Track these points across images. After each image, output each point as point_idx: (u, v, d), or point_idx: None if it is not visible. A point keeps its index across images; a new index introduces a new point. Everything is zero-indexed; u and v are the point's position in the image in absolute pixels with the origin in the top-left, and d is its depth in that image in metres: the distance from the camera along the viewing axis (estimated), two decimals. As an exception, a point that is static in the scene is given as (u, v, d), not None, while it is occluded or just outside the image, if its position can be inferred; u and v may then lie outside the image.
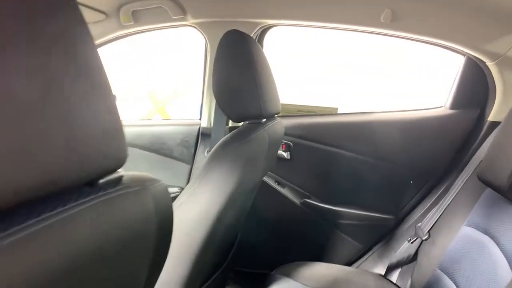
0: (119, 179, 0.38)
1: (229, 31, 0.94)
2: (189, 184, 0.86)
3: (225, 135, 1.36)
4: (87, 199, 0.33)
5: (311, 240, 1.56)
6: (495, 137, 1.00)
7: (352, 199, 1.50)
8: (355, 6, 1.19)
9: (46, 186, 0.28)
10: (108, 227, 0.35)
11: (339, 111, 1.52)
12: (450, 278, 1.04)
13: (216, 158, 0.87)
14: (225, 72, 0.93)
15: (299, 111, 1.53)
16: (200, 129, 1.52)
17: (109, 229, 0.35)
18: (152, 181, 0.44)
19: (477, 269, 0.95)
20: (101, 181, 0.36)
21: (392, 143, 1.42)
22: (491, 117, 1.25)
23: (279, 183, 1.54)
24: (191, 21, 1.33)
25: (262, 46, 1.44)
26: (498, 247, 0.92)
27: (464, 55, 1.26)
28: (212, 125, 1.47)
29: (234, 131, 0.96)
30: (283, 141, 1.47)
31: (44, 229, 0.28)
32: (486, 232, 0.98)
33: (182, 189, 1.51)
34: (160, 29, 1.40)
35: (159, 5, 1.25)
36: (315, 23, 1.28)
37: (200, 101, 1.51)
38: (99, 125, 0.33)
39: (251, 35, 1.33)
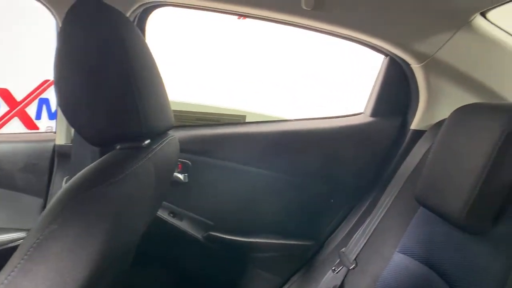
0: None
1: (79, 1, 0.57)
2: (13, 258, 0.47)
3: (93, 156, 0.99)
4: None
5: (218, 281, 1.30)
6: (434, 151, 0.88)
7: (267, 226, 1.29)
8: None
9: None
10: None
11: (247, 119, 1.26)
12: None
13: (60, 214, 0.48)
14: (76, 67, 0.55)
15: (198, 119, 1.22)
16: (56, 148, 1.08)
17: None
18: None
19: None
20: None
21: (309, 156, 1.24)
22: (414, 125, 1.15)
23: (174, 215, 1.23)
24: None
25: (143, 32, 1.07)
26: (440, 277, 0.81)
27: (387, 55, 1.12)
28: (71, 142, 1.06)
29: (97, 163, 0.58)
30: (178, 160, 1.14)
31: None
32: (424, 260, 0.87)
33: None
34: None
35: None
36: (216, 5, 0.97)
37: (55, 107, 1.07)
38: None
39: (127, 15, 0.95)
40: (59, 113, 1.07)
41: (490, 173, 0.70)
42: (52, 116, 2.13)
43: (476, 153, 0.73)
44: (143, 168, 0.62)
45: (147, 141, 0.68)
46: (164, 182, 0.81)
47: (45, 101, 2.13)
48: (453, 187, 0.76)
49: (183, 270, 1.28)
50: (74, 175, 0.69)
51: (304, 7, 0.91)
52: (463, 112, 0.82)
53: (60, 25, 0.92)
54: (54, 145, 1.09)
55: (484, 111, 0.77)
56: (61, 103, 0.59)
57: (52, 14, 0.95)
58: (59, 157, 1.10)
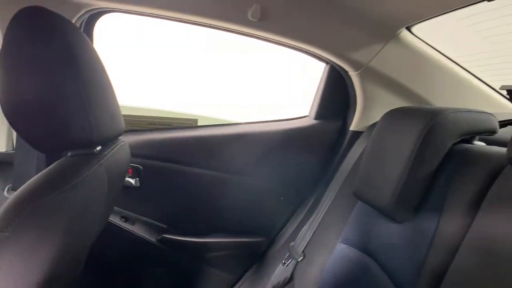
0: None
1: (23, 9, 0.57)
2: None
3: (39, 163, 0.95)
4: None
5: (173, 283, 1.30)
6: (368, 151, 0.97)
7: (219, 226, 1.32)
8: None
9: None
10: None
11: (200, 123, 1.28)
12: None
13: (12, 222, 0.49)
14: (22, 74, 0.55)
15: (150, 124, 1.22)
16: None
17: None
18: None
19: None
20: None
21: (259, 158, 1.29)
22: (353, 127, 1.25)
23: (126, 220, 1.22)
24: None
25: (91, 38, 1.05)
26: (377, 263, 0.89)
27: (328, 63, 1.21)
28: (13, 148, 1.01)
29: (48, 169, 0.59)
30: (130, 164, 1.13)
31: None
32: (362, 249, 0.95)
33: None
34: None
35: None
36: (163, 12, 0.99)
37: None
38: None
39: (72, 21, 0.94)
40: (0, 119, 1.02)
41: (412, 169, 0.79)
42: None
43: (400, 152, 0.82)
44: (96, 174, 0.63)
45: (98, 148, 0.69)
46: (116, 187, 0.81)
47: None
48: (383, 182, 0.85)
49: (138, 275, 1.27)
50: (18, 183, 0.67)
51: (250, 18, 0.96)
52: (391, 115, 0.92)
53: (4, 32, 0.90)
54: None
55: (408, 115, 0.87)
56: (6, 110, 0.57)
57: None
58: None
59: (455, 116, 0.83)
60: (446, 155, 0.81)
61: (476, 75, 1.20)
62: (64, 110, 0.59)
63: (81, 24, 0.99)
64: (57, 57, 0.57)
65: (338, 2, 0.98)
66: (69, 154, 0.64)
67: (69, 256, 0.57)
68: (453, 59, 1.17)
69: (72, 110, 0.59)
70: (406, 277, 0.79)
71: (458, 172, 0.76)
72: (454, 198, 0.73)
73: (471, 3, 0.85)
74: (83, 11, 0.95)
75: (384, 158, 0.88)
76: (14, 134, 1.01)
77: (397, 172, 0.81)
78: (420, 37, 1.13)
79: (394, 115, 0.91)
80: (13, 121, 0.58)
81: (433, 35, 1.14)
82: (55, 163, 0.61)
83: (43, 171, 0.58)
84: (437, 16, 0.97)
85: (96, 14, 1.02)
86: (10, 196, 0.95)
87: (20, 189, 0.53)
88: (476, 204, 0.68)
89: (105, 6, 0.97)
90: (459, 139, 0.82)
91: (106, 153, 0.71)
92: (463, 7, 0.89)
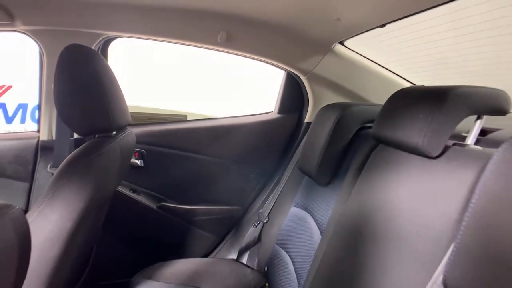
0: None
1: (69, 46, 0.91)
2: (37, 202, 0.83)
3: (70, 148, 1.32)
4: None
5: (170, 241, 1.64)
6: (307, 135, 1.29)
7: (205, 197, 1.65)
8: (193, 25, 1.31)
9: None
10: None
11: (188, 118, 1.63)
12: (284, 250, 1.27)
13: (65, 174, 0.85)
14: (68, 88, 0.90)
15: (149, 119, 1.57)
16: (40, 143, 1.38)
17: None
18: (9, 207, 0.45)
19: (300, 239, 1.20)
20: None
21: (235, 145, 1.62)
22: (307, 119, 1.58)
23: (134, 191, 1.56)
24: (21, 27, 1.21)
25: (106, 56, 1.42)
26: (313, 218, 1.18)
27: (285, 70, 1.56)
28: (54, 138, 1.37)
29: (83, 145, 0.94)
30: (135, 149, 1.49)
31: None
32: (305, 209, 1.25)
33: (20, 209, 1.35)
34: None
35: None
36: (156, 37, 1.35)
37: (38, 111, 1.39)
38: None
39: (93, 46, 1.30)
40: (43, 116, 1.38)
41: (327, 146, 1.12)
42: (9, 120, 2.15)
43: (322, 135, 1.13)
44: (113, 149, 0.99)
45: (114, 132, 1.05)
46: (125, 160, 1.17)
47: (1, 106, 2.15)
48: (312, 156, 1.17)
49: (143, 233, 1.59)
50: (57, 162, 1.01)
51: (219, 41, 1.32)
52: (324, 109, 1.23)
53: (45, 53, 1.27)
54: (38, 141, 1.38)
55: (330, 109, 1.18)
56: (58, 106, 0.92)
57: (40, 47, 1.28)
58: (42, 150, 1.38)
59: (359, 109, 1.16)
60: (352, 137, 1.14)
61: (400, 74, 1.53)
62: (92, 109, 0.93)
63: (99, 47, 1.36)
64: (89, 79, 0.92)
65: (283, 26, 1.32)
66: (96, 136, 1.01)
67: (96, 201, 0.91)
68: (380, 63, 1.51)
69: (97, 109, 0.94)
70: (325, 224, 1.06)
71: (357, 150, 1.04)
72: (351, 169, 1.01)
73: (369, 28, 1.19)
74: (100, 38, 1.32)
75: (313, 140, 1.19)
76: (53, 126, 1.37)
77: (318, 149, 1.13)
78: (352, 49, 1.46)
79: (325, 109, 1.21)
80: (61, 113, 0.93)
81: (364, 47, 1.47)
82: (87, 142, 0.98)
83: (80, 147, 0.94)
84: (359, 34, 1.30)
85: (109, 40, 1.39)
86: (52, 171, 1.31)
87: (70, 155, 0.89)
88: (357, 173, 0.95)
89: (115, 34, 1.34)
90: (361, 126, 1.16)
91: (119, 136, 1.07)
92: (370, 29, 1.23)
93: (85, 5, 1.19)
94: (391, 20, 1.08)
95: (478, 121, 0.75)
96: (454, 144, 0.72)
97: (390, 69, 1.51)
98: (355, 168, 0.99)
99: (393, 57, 1.48)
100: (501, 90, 0.77)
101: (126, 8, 1.23)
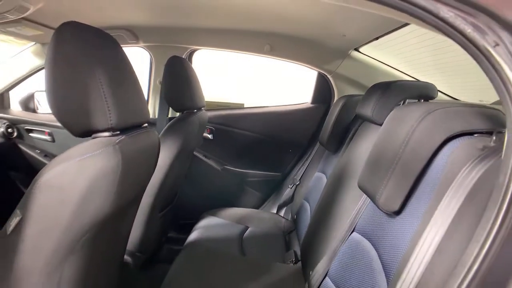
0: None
1: (172, 57, 1.49)
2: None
3: (166, 123, 1.98)
4: None
5: (228, 194, 2.21)
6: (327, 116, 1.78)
7: (255, 164, 2.20)
8: (246, 40, 1.89)
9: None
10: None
11: (245, 106, 2.22)
12: (307, 202, 1.74)
13: (166, 133, 1.46)
14: (174, 84, 1.48)
15: (218, 105, 2.20)
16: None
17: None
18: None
19: (317, 192, 1.63)
20: None
21: (278, 126, 2.15)
22: (331, 109, 2.06)
23: (206, 156, 2.17)
24: (141, 44, 1.91)
25: (191, 62, 2.08)
26: (325, 176, 1.63)
27: (315, 70, 2.06)
28: (156, 116, 2.06)
29: (176, 117, 1.55)
30: (207, 126, 2.11)
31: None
32: (322, 172, 1.71)
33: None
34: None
35: (119, 33, 1.81)
36: (223, 49, 1.96)
37: (146, 98, 2.09)
38: None
39: (183, 56, 1.96)
40: (150, 102, 2.08)
41: (334, 123, 1.63)
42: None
43: (333, 114, 1.65)
44: (194, 120, 1.58)
45: (195, 110, 1.65)
46: (201, 131, 1.70)
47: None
48: (326, 130, 1.69)
49: (209, 187, 2.18)
50: (158, 131, 1.61)
51: (265, 51, 1.89)
52: (340, 99, 1.71)
53: (154, 59, 1.95)
54: None
55: (343, 97, 1.65)
56: (168, 96, 1.53)
57: (151, 56, 1.98)
58: (149, 124, 2.03)
59: (358, 98, 1.62)
60: (353, 118, 1.62)
61: (409, 74, 1.93)
62: (185, 95, 1.50)
63: (187, 56, 2.01)
64: (183, 78, 1.54)
65: (309, 40, 1.82)
66: (184, 112, 1.61)
67: (181, 158, 1.53)
68: (390, 65, 1.92)
69: (188, 95, 1.53)
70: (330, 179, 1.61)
71: (354, 126, 1.51)
72: (347, 138, 1.48)
73: (367, 41, 1.65)
74: (188, 50, 1.98)
75: (329, 119, 1.67)
76: (156, 109, 2.06)
77: (330, 125, 1.64)
78: (367, 54, 1.90)
79: (341, 99, 1.67)
80: (167, 98, 1.55)
81: (377, 51, 1.89)
82: (178, 115, 1.60)
83: (175, 118, 1.55)
84: (364, 45, 1.75)
85: (193, 51, 2.04)
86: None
87: (168, 124, 1.51)
88: (349, 141, 1.44)
89: (196, 47, 1.99)
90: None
91: (198, 113, 1.64)
92: (369, 41, 1.68)
93: (180, 29, 1.85)
94: (382, 34, 1.54)
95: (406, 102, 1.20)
96: None
97: (399, 69, 1.92)
98: (349, 138, 1.47)
99: (401, 59, 1.88)
100: (430, 83, 1.22)
101: (204, 30, 1.85)
